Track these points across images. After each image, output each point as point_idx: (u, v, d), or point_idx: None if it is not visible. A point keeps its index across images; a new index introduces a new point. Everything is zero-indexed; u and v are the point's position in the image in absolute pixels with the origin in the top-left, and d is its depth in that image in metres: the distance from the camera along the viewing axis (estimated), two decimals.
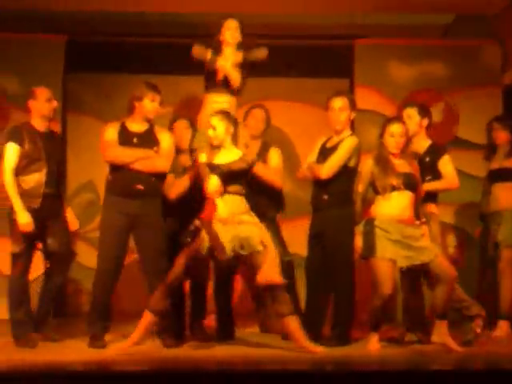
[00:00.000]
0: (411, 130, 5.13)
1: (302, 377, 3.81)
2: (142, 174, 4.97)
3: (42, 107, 5.11)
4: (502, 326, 5.47)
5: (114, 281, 5.01)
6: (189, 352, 4.74)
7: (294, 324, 4.62)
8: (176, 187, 5.18)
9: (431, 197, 5.21)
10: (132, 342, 4.60)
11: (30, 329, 4.99)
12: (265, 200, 5.35)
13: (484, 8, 7.11)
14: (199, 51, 5.49)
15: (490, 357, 4.57)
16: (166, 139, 5.12)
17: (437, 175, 5.23)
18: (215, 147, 4.83)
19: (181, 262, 4.64)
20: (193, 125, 5.45)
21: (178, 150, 5.34)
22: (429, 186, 5.13)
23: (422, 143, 5.31)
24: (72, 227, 5.38)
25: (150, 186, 5.00)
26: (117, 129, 5.07)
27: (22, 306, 5.01)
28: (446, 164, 5.25)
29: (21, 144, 5.01)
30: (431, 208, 5.23)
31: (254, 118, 5.55)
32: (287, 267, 5.30)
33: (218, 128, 4.80)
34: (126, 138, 5.04)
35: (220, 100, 5.40)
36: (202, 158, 4.84)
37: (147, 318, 4.61)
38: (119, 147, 5.02)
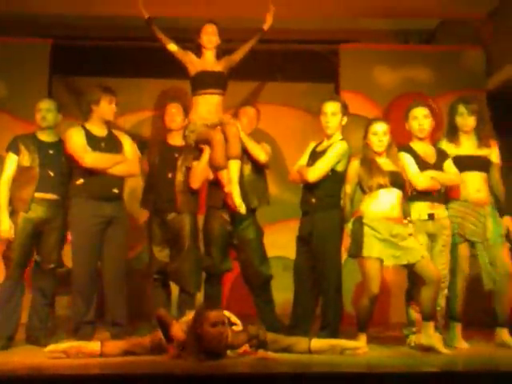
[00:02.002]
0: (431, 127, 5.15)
1: (290, 378, 3.84)
2: (116, 177, 5.13)
3: (37, 119, 5.26)
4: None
5: (94, 281, 5.07)
6: None
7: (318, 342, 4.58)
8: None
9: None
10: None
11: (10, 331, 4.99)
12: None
13: (468, 14, 7.18)
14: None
15: (478, 358, 4.59)
16: (128, 143, 5.28)
17: None
18: None
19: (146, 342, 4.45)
20: (184, 109, 5.53)
21: (169, 130, 5.50)
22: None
23: None
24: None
25: (122, 189, 5.20)
26: (83, 133, 5.14)
27: (4, 309, 5.01)
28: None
29: (17, 154, 5.14)
30: None
31: (247, 115, 5.56)
32: (266, 281, 5.38)
33: None
34: (93, 142, 5.13)
35: (211, 101, 5.47)
36: None
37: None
38: (96, 153, 5.10)
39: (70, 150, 5.12)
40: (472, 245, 5.13)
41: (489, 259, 5.08)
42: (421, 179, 4.98)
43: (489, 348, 4.92)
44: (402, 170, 4.95)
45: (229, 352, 4.34)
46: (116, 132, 5.34)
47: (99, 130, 5.20)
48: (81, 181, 5.10)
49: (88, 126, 5.20)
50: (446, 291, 4.98)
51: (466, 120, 5.23)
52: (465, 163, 5.14)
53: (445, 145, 5.25)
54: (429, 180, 4.98)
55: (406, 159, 5.04)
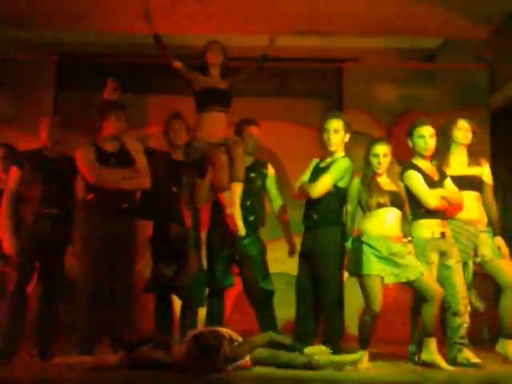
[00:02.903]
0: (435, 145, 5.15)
1: None
2: (125, 192, 5.13)
3: (43, 135, 5.28)
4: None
5: (99, 298, 5.04)
6: None
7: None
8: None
9: None
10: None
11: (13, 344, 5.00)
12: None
13: (471, 33, 7.24)
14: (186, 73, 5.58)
15: (480, 374, 4.59)
16: (139, 156, 5.27)
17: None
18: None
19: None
20: (187, 126, 5.50)
21: (173, 146, 5.47)
22: None
23: None
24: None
25: (133, 203, 5.18)
26: (92, 150, 5.17)
27: (8, 323, 5.01)
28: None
29: (22, 169, 5.18)
30: None
31: (252, 134, 5.56)
32: (268, 296, 5.38)
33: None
34: (103, 158, 5.15)
35: (215, 118, 5.44)
36: None
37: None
38: (102, 168, 5.11)
39: (79, 167, 5.17)
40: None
41: (492, 274, 5.10)
42: (433, 198, 4.97)
43: (490, 364, 4.90)
44: (401, 189, 4.95)
45: (230, 367, 4.36)
46: (130, 146, 5.33)
47: (110, 146, 5.22)
48: (91, 195, 5.13)
49: (100, 142, 5.23)
50: (469, 307, 4.97)
51: (466, 134, 5.24)
52: (456, 183, 5.13)
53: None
54: (440, 199, 5.00)
55: (417, 178, 5.04)
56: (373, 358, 4.81)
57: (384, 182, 4.94)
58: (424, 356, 4.75)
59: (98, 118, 5.24)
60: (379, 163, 4.93)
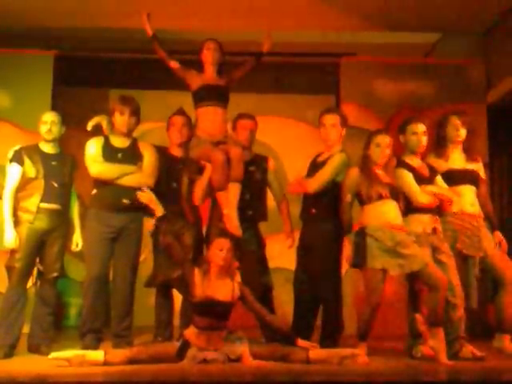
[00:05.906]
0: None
1: None
2: (127, 188, 5.12)
3: (42, 132, 5.33)
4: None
5: (103, 291, 5.10)
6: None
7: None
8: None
9: None
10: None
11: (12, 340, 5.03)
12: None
13: (470, 27, 7.25)
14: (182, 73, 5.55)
15: (477, 368, 4.60)
16: (148, 155, 5.27)
17: None
18: None
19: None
20: (190, 123, 5.48)
21: (173, 142, 5.45)
22: None
23: None
24: (74, 247, 5.44)
25: (135, 200, 5.14)
26: (100, 144, 5.20)
27: (7, 318, 5.05)
28: None
29: (21, 164, 5.21)
30: None
31: (246, 128, 5.51)
32: (265, 288, 5.36)
33: None
34: (110, 153, 5.18)
35: (214, 113, 5.42)
36: None
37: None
38: (104, 163, 5.14)
39: (84, 160, 5.22)
40: (464, 259, 5.14)
41: (491, 268, 5.13)
42: (422, 196, 5.00)
43: (489, 357, 4.92)
44: (397, 184, 4.98)
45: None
46: (142, 143, 5.36)
47: (120, 141, 5.25)
48: (94, 191, 5.18)
49: (111, 136, 5.28)
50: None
51: (459, 131, 5.27)
52: (458, 177, 5.20)
53: (433, 160, 5.28)
54: (430, 196, 5.01)
55: (407, 177, 5.06)
56: (371, 352, 4.81)
57: (381, 174, 4.97)
58: (431, 343, 4.72)
59: (109, 112, 5.29)
60: (382, 152, 4.95)
